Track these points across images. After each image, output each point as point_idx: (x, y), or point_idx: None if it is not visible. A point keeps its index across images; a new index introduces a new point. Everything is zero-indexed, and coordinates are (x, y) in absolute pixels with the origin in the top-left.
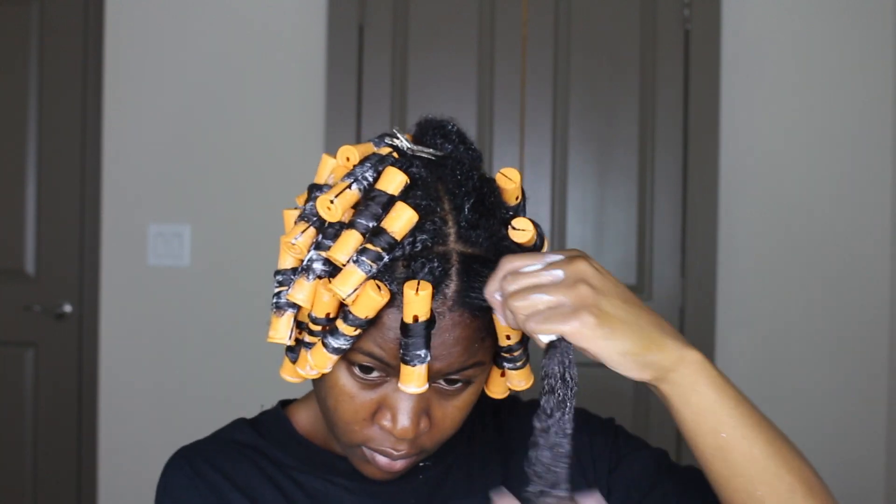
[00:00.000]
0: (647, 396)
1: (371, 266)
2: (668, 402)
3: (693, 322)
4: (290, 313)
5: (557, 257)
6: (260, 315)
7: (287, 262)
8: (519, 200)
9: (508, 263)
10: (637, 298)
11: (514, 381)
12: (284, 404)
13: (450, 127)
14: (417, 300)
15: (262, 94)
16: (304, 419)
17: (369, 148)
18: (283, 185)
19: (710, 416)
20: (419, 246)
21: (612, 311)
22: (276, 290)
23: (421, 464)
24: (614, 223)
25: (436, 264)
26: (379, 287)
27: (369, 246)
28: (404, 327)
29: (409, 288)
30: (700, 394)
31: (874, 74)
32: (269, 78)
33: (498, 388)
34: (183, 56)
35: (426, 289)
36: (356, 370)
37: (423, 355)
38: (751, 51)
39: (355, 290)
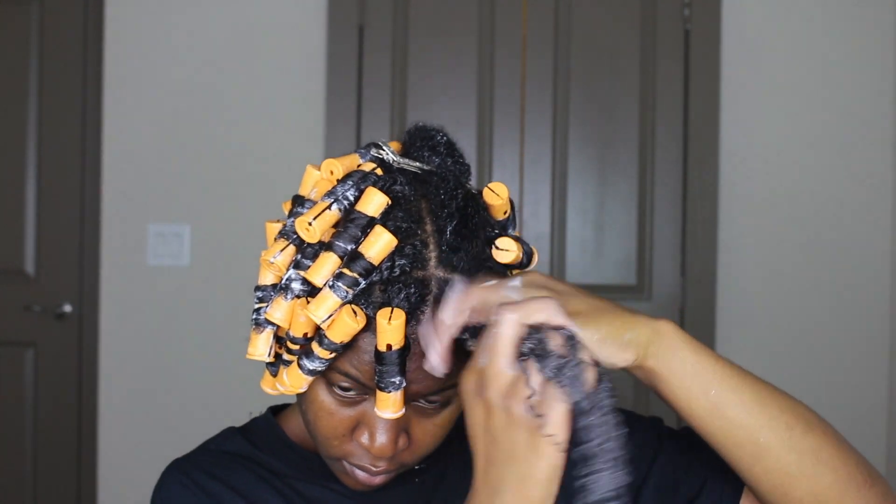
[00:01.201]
0: (646, 396)
1: (347, 292)
2: (655, 377)
3: (693, 322)
4: (269, 330)
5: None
6: None
7: (267, 278)
8: (507, 215)
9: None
10: (597, 295)
11: None
12: (275, 411)
13: (438, 138)
14: (390, 329)
15: (263, 94)
16: (297, 426)
17: (354, 160)
18: (282, 186)
19: (697, 378)
20: (397, 271)
21: (577, 306)
22: (256, 306)
23: (416, 467)
24: (614, 223)
25: (412, 290)
26: (355, 312)
27: (346, 271)
28: (378, 355)
29: (381, 317)
30: (682, 359)
31: (874, 74)
32: (269, 78)
33: None
34: (183, 56)
35: (399, 318)
36: (335, 388)
37: (397, 382)
38: (751, 51)
39: (330, 315)
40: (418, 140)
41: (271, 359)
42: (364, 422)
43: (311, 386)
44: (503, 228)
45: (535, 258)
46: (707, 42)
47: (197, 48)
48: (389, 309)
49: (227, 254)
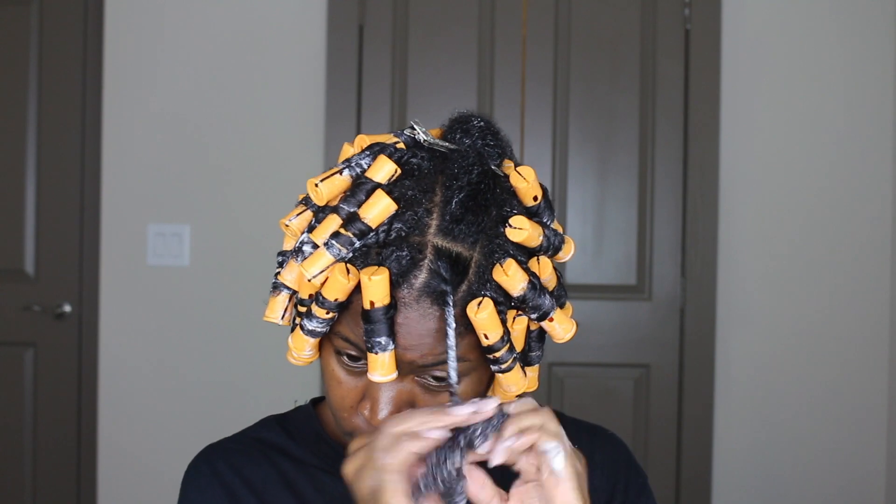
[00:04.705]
0: (647, 396)
1: (340, 250)
2: None
3: (693, 322)
4: (284, 294)
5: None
6: (259, 315)
7: (290, 244)
8: (538, 201)
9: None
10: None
11: (503, 385)
12: (317, 402)
13: (474, 122)
14: (370, 285)
15: (263, 93)
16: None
17: (388, 138)
18: (282, 185)
19: None
20: (393, 234)
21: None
22: (276, 270)
23: None
24: (614, 223)
25: (405, 253)
26: (348, 270)
27: (342, 231)
28: (364, 314)
29: (364, 274)
30: None
31: (874, 74)
32: (269, 78)
33: (502, 395)
34: (183, 56)
35: (379, 274)
36: (343, 357)
37: (383, 343)
38: (751, 51)
39: (322, 272)
40: (455, 124)
41: (286, 322)
42: (368, 394)
43: (324, 356)
44: (533, 215)
45: (570, 249)
46: (707, 42)
47: (197, 48)
48: (374, 267)
49: (226, 254)
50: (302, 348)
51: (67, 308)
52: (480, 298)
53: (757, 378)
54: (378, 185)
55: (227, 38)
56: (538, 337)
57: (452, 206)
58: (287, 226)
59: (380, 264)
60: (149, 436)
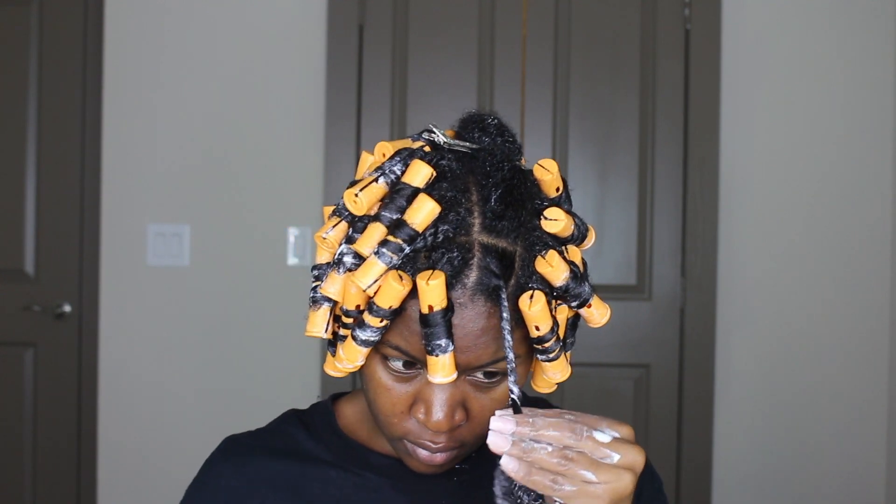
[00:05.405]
0: (647, 396)
1: (391, 257)
2: None
3: (693, 322)
4: (325, 307)
5: (620, 432)
6: (259, 315)
7: (323, 256)
8: (560, 192)
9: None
10: None
11: (548, 373)
12: (336, 398)
13: (489, 120)
14: (428, 290)
15: (262, 93)
16: (350, 414)
17: (406, 143)
18: (282, 185)
19: None
20: (441, 237)
21: None
22: (313, 284)
23: (458, 466)
24: (614, 223)
25: (455, 254)
26: (401, 277)
27: (391, 238)
28: (423, 318)
29: (420, 279)
30: None
31: (874, 74)
32: (269, 78)
33: (542, 384)
34: (183, 56)
35: (437, 277)
36: (394, 364)
37: (443, 345)
38: (751, 51)
39: (376, 280)
40: (470, 124)
41: (329, 335)
42: (421, 397)
43: (368, 364)
44: (556, 205)
45: (592, 237)
46: (707, 42)
47: (197, 48)
48: (429, 271)
49: (226, 254)
50: (355, 358)
51: (67, 308)
52: (532, 291)
53: (757, 378)
54: (418, 190)
55: (227, 38)
56: (572, 324)
57: (492, 203)
58: (324, 238)
59: (430, 268)
60: (149, 436)
